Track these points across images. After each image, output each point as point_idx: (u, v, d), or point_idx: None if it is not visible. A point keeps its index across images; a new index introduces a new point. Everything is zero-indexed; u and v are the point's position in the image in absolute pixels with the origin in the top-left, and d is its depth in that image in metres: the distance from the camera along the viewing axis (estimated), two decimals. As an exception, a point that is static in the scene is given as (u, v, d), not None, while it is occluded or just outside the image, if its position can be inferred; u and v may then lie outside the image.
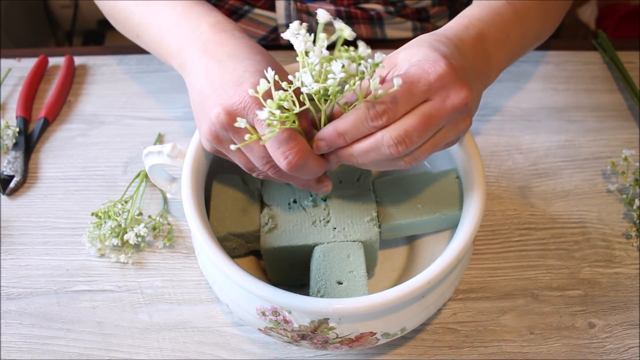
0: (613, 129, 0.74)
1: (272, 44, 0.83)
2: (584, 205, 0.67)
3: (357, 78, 0.42)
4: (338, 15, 0.79)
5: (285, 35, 0.43)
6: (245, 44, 0.49)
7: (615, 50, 0.80)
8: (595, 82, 0.79)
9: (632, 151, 0.69)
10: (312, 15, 0.79)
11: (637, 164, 0.69)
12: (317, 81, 0.42)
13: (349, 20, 0.80)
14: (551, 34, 0.63)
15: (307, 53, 0.42)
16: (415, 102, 0.43)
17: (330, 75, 0.41)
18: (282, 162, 0.44)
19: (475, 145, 0.53)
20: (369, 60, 0.42)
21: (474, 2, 0.55)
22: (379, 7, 0.80)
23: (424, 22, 0.85)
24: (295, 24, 0.42)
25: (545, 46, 0.83)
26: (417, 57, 0.45)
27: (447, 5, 0.85)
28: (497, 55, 0.52)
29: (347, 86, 0.42)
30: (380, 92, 0.42)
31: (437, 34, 0.49)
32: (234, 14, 0.81)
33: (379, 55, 0.42)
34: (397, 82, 0.41)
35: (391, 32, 0.84)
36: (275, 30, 0.81)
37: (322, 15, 0.41)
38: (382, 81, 0.45)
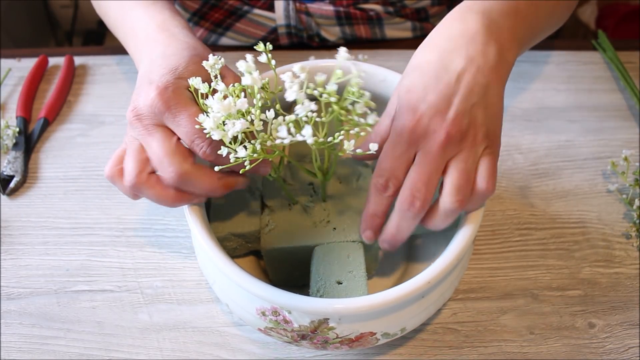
0: (613, 129, 0.74)
1: (272, 44, 0.83)
2: (584, 205, 0.67)
3: (340, 133, 0.44)
4: (337, 15, 0.79)
5: (284, 77, 0.44)
6: (179, 42, 0.51)
7: (615, 50, 0.80)
8: (596, 82, 0.79)
9: (632, 151, 0.69)
10: (311, 15, 0.79)
11: (637, 164, 0.69)
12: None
13: (348, 20, 0.80)
14: (563, 23, 0.62)
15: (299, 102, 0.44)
16: (407, 160, 0.46)
17: (299, 137, 0.43)
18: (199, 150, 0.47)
19: (475, 145, 0.53)
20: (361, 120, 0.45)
21: None
22: (378, 7, 0.80)
23: (423, 22, 0.85)
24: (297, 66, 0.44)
25: (546, 46, 0.83)
26: (398, 104, 0.46)
27: (446, 5, 0.85)
28: (508, 24, 0.48)
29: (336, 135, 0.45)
30: (358, 150, 0.45)
31: (425, 45, 0.48)
32: (233, 15, 0.81)
33: (372, 117, 0.44)
34: (372, 147, 0.44)
35: (390, 32, 0.84)
36: (275, 31, 0.81)
37: (343, 54, 0.45)
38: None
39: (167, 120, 0.47)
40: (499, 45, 0.47)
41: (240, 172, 0.46)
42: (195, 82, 0.46)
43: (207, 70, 0.48)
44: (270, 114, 0.44)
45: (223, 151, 0.44)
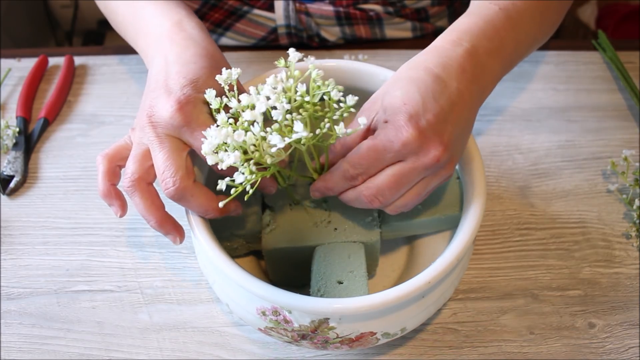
0: (613, 129, 0.74)
1: (271, 44, 0.83)
2: (584, 205, 0.67)
3: (325, 122, 0.45)
4: (337, 16, 0.79)
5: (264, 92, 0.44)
6: (197, 46, 0.50)
7: (615, 50, 0.80)
8: (595, 82, 0.79)
9: (632, 151, 0.69)
10: (311, 15, 0.79)
11: (637, 164, 0.69)
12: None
13: (348, 20, 0.80)
14: (552, 35, 0.62)
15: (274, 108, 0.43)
16: (386, 164, 0.46)
17: (293, 135, 0.43)
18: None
19: (476, 145, 0.53)
20: (341, 105, 0.45)
21: (467, 11, 0.53)
22: (378, 8, 0.80)
23: (423, 22, 0.85)
24: (271, 78, 0.44)
25: (546, 46, 0.83)
26: (389, 112, 0.45)
27: (446, 5, 0.85)
28: (492, 65, 0.50)
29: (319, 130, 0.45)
30: (349, 131, 0.45)
31: (417, 65, 0.47)
32: (233, 15, 0.81)
33: (350, 98, 0.45)
34: (361, 121, 0.45)
35: (390, 32, 0.84)
36: (275, 31, 0.81)
37: (293, 54, 0.46)
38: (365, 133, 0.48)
39: (184, 134, 0.46)
40: (481, 87, 0.49)
41: (248, 189, 0.45)
42: (210, 97, 0.46)
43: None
44: (256, 128, 0.43)
45: (221, 185, 0.44)
